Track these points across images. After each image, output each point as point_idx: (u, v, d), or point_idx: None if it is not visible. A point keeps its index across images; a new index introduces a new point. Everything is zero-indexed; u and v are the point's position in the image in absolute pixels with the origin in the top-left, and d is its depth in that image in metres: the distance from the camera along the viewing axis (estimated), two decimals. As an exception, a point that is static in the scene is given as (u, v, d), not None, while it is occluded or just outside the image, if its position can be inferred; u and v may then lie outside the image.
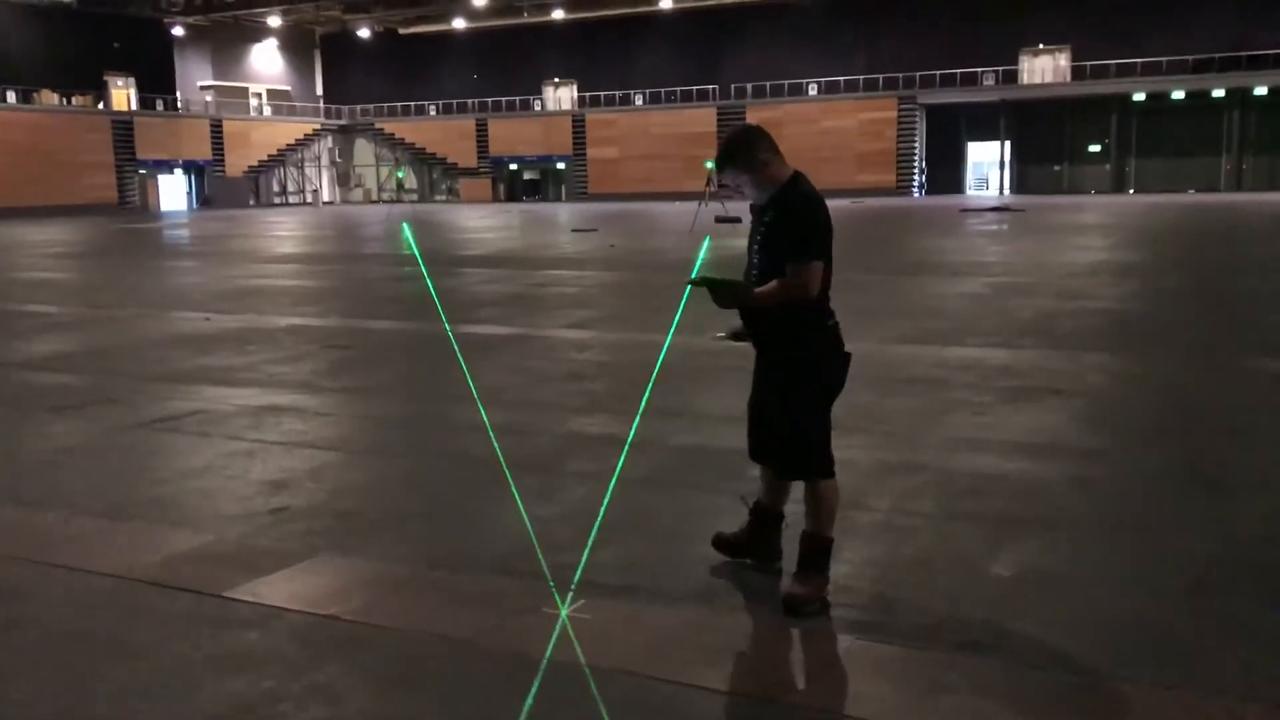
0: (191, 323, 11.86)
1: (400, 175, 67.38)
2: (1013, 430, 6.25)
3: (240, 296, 14.79)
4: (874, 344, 9.43)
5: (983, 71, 55.27)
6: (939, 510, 4.82)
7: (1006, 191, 54.28)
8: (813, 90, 58.78)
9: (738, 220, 25.39)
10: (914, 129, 56.64)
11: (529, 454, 5.93)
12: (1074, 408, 6.93)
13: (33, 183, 51.88)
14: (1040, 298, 12.70)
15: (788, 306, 3.68)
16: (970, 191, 56.94)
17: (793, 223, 3.67)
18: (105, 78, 59.04)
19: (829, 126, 57.05)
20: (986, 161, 57.38)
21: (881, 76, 56.79)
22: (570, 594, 3.89)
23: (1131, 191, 53.30)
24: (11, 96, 53.88)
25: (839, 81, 57.92)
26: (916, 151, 57.04)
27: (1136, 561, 4.21)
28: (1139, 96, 52.62)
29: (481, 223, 37.71)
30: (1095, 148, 55.22)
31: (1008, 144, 55.32)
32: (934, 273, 16.11)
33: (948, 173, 57.52)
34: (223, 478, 5.59)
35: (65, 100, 56.64)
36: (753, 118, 58.30)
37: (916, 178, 57.25)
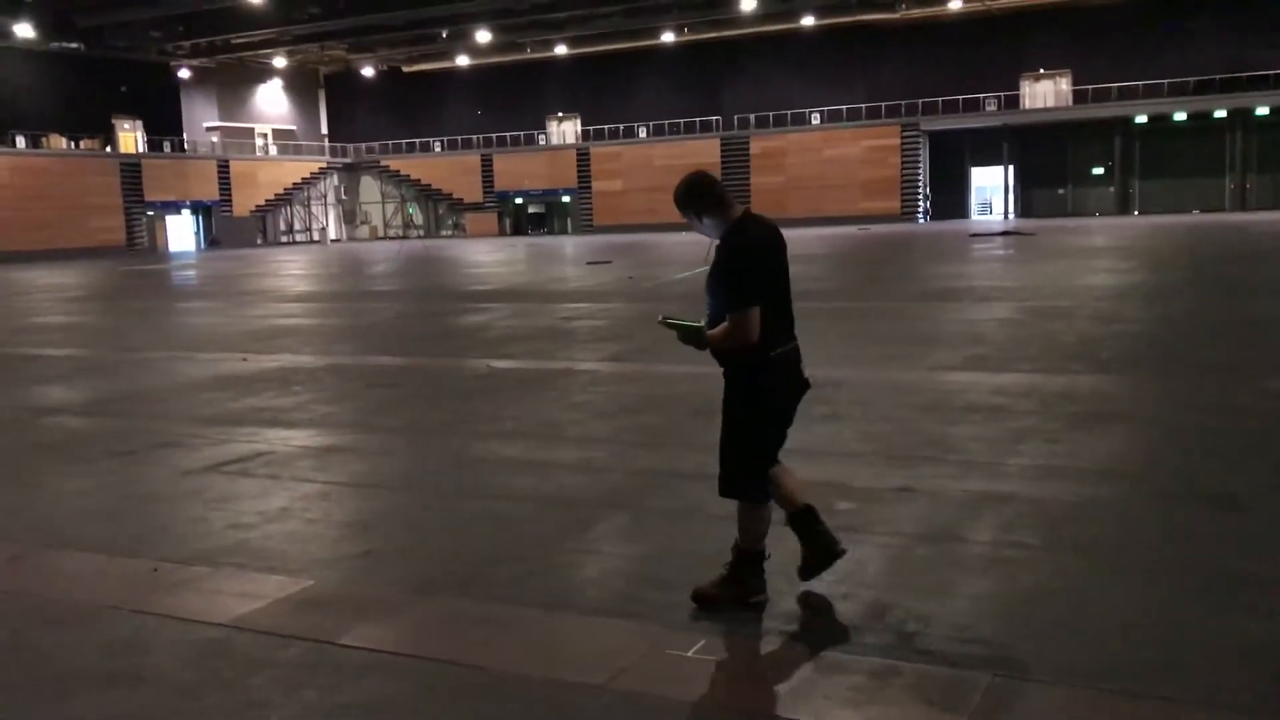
0: (228, 364, 11.81)
1: (411, 210, 67.52)
2: (1091, 457, 6.19)
3: (270, 336, 14.77)
4: (924, 372, 9.42)
5: (984, 97, 55.57)
6: (1042, 541, 4.76)
7: (1011, 215, 54.43)
8: (815, 119, 59.03)
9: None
10: (917, 155, 56.86)
11: (608, 492, 5.88)
12: (1146, 433, 6.88)
13: (42, 227, 52.03)
14: (1077, 321, 12.66)
15: (737, 348, 3.95)
16: (975, 216, 57.10)
17: (725, 272, 3.95)
18: (113, 121, 59.43)
19: (832, 155, 57.33)
20: (990, 186, 57.57)
21: (884, 104, 57.08)
22: (689, 634, 3.84)
23: (1136, 213, 53.42)
24: (21, 141, 54.16)
25: (841, 110, 58.20)
26: (920, 178, 57.21)
27: (1261, 591, 4.12)
28: (1141, 118, 52.83)
29: (492, 257, 37.77)
30: (1098, 170, 55.39)
31: (1011, 168, 55.52)
32: (961, 299, 16.07)
33: (952, 198, 57.67)
34: (303, 520, 5.54)
35: (74, 144, 56.93)
36: (756, 148, 58.73)
37: (921, 204, 57.40)
